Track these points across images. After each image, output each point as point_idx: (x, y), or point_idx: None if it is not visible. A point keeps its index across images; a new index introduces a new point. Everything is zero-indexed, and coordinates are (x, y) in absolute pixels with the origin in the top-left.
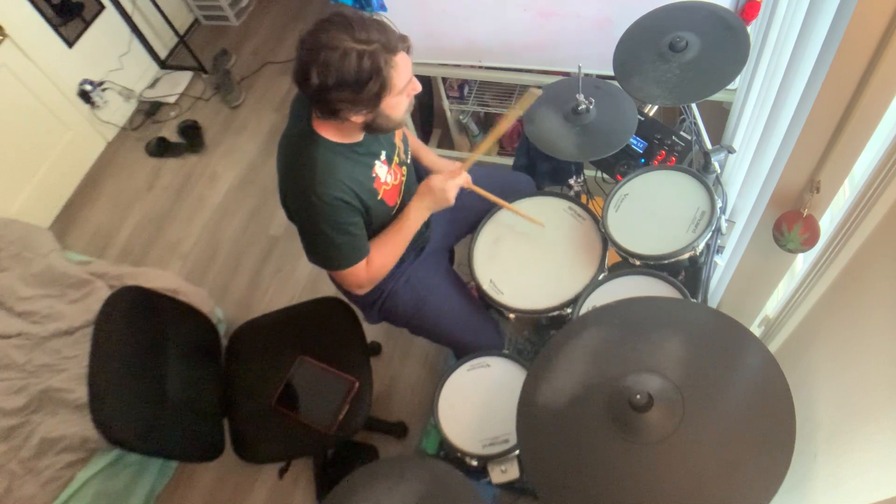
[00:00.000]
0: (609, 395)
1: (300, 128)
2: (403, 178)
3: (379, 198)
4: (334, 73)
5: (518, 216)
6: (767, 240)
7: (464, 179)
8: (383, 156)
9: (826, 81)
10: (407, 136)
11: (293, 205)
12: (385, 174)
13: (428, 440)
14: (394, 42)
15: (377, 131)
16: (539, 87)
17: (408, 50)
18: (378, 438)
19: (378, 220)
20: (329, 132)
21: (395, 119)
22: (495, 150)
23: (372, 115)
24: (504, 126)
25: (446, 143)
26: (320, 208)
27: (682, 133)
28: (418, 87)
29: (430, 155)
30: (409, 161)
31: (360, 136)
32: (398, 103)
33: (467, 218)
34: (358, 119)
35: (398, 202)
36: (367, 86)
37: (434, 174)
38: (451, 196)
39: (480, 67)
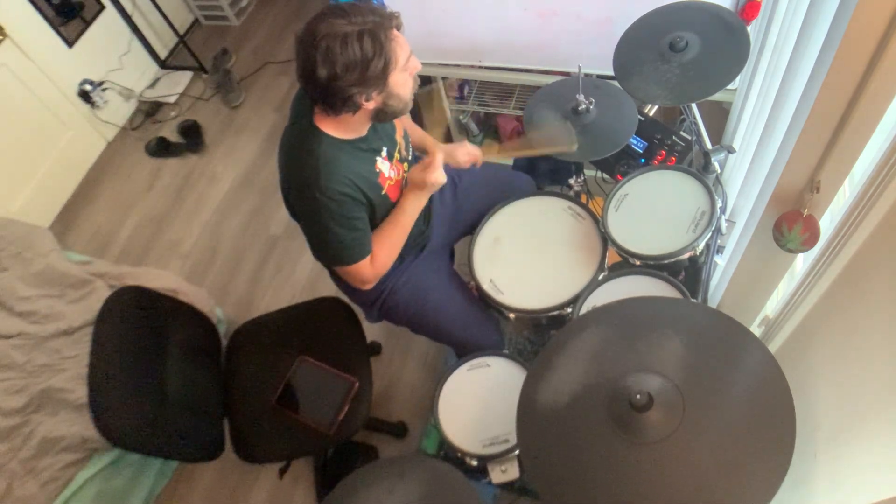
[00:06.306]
0: (609, 395)
1: (302, 124)
2: (405, 175)
3: (383, 193)
4: (340, 59)
5: (549, 151)
6: (767, 240)
7: (441, 161)
8: (384, 152)
9: (826, 81)
10: (408, 133)
11: (296, 202)
12: (388, 170)
13: (428, 440)
14: (387, 18)
15: (388, 116)
16: (574, 143)
17: (399, 27)
18: (378, 438)
19: (381, 216)
20: (331, 128)
21: (404, 98)
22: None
23: (383, 97)
24: (513, 148)
25: (446, 143)
26: (324, 204)
27: (682, 133)
28: (419, 65)
29: (427, 139)
30: (409, 157)
31: (362, 132)
32: (404, 80)
33: (467, 218)
34: (370, 104)
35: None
36: (372, 63)
37: (412, 168)
38: (440, 180)
39: (480, 67)
